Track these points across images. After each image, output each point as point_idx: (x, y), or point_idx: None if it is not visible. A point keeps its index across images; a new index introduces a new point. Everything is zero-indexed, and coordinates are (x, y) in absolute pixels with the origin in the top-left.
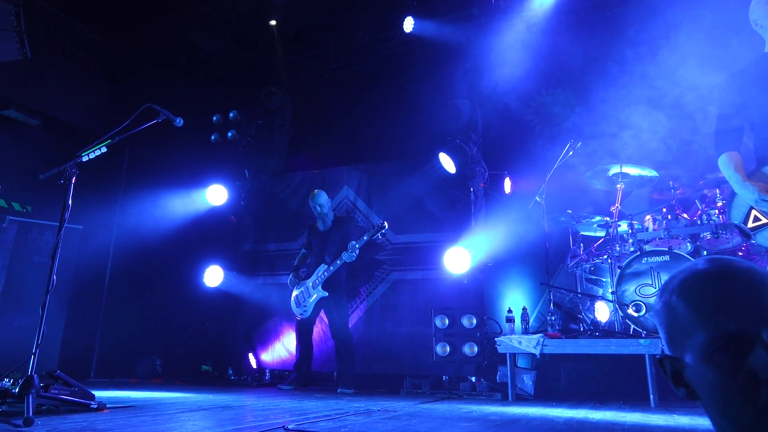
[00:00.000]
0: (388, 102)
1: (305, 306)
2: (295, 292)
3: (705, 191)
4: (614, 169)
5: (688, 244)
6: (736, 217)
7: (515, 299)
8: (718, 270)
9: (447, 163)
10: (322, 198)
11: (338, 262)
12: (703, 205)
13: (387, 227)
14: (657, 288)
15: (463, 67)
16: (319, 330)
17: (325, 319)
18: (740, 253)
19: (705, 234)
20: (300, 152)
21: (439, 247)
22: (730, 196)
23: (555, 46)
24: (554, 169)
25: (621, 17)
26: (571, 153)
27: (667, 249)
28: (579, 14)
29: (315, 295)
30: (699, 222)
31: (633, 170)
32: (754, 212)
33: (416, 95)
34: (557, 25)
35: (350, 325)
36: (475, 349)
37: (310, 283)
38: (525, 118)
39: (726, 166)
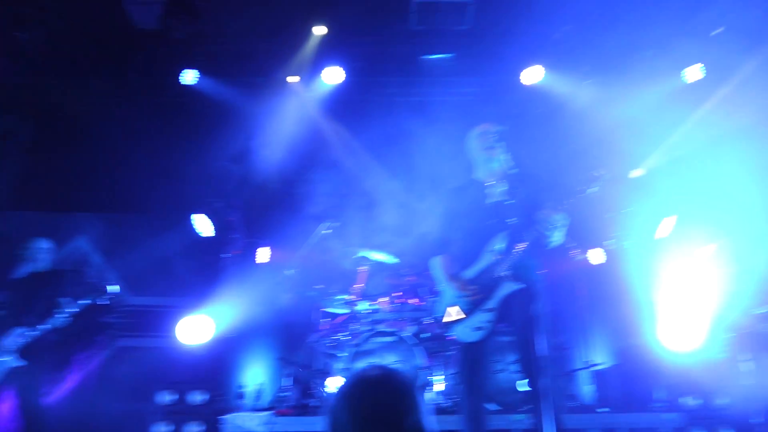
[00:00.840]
0: (151, 150)
1: None
2: None
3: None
4: (361, 252)
5: (414, 326)
6: (440, 311)
7: (256, 374)
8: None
9: (202, 225)
10: (43, 243)
11: (46, 325)
12: (429, 293)
13: (119, 290)
14: None
15: (239, 133)
16: (4, 409)
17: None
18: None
19: (426, 319)
20: (36, 187)
21: (181, 313)
22: (438, 293)
23: (323, 130)
24: (309, 246)
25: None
26: (328, 231)
27: (393, 331)
28: (349, 105)
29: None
30: (424, 307)
31: (376, 255)
32: (452, 308)
33: (184, 150)
34: (330, 110)
35: (51, 403)
36: (203, 429)
37: None
38: (291, 191)
39: (435, 267)
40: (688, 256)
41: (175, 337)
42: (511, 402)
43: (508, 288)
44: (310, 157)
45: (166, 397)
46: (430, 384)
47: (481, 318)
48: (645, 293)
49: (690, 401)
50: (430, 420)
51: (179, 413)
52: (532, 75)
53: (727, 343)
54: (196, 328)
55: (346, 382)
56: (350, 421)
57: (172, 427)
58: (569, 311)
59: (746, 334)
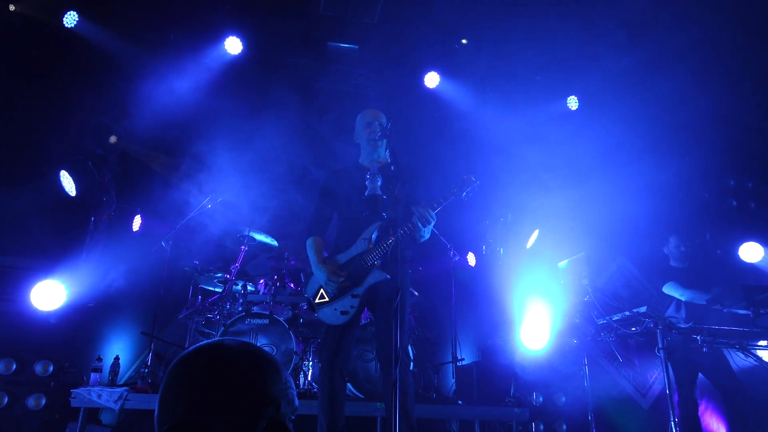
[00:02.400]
0: (21, 92)
1: None
2: None
3: None
4: (244, 231)
5: (289, 311)
6: (310, 292)
7: (116, 348)
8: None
9: (68, 183)
10: None
11: None
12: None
13: None
14: None
15: (122, 88)
16: None
17: None
18: None
19: (303, 304)
20: None
21: (33, 276)
22: (310, 273)
23: (216, 99)
24: (188, 218)
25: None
26: (209, 206)
27: (268, 313)
28: (244, 78)
29: None
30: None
31: (258, 236)
32: (321, 290)
33: (58, 98)
34: (225, 81)
35: None
36: (42, 401)
37: None
38: (170, 159)
39: (309, 247)
40: (550, 266)
41: (23, 302)
42: (378, 391)
43: (376, 277)
44: (196, 126)
45: (5, 366)
46: (302, 369)
47: (347, 303)
48: (510, 297)
49: (535, 398)
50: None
51: (18, 384)
52: (431, 79)
53: (569, 347)
54: (49, 294)
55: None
56: (182, 390)
57: (6, 399)
58: (441, 308)
59: (586, 341)
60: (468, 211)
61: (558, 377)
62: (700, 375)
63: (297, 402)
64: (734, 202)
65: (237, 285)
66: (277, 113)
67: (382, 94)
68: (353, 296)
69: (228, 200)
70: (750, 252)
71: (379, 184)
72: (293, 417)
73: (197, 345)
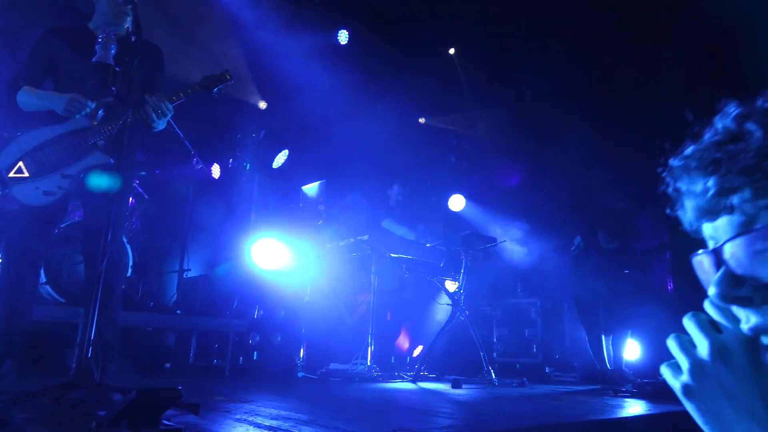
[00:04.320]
0: None
1: None
2: None
3: None
4: None
5: None
6: (3, 164)
7: None
8: None
9: None
10: None
11: None
12: None
13: None
14: None
15: None
16: None
17: None
18: None
19: None
20: None
21: None
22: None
23: None
24: None
25: None
26: None
27: None
28: None
29: None
30: None
31: None
32: (20, 163)
33: None
34: None
35: None
36: None
37: None
38: None
39: (28, 93)
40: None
41: None
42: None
43: (97, 159)
44: None
45: None
46: None
47: (54, 182)
48: (250, 214)
49: (257, 312)
50: None
51: None
52: None
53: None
54: None
55: None
56: None
57: None
58: (174, 217)
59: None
60: (221, 120)
61: (282, 294)
62: None
63: None
64: (453, 159)
65: None
66: None
67: None
68: (63, 176)
69: None
70: (456, 202)
71: (112, 53)
72: None
73: None
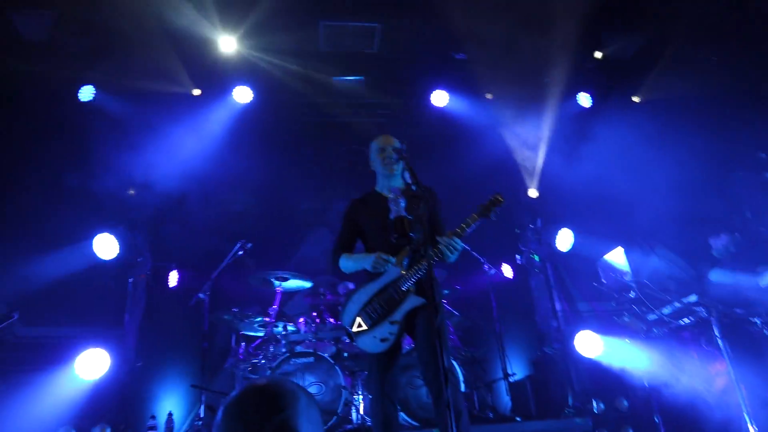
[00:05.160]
0: (44, 171)
1: None
2: None
3: None
4: (276, 273)
5: (333, 346)
6: (347, 321)
7: (168, 404)
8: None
9: (104, 247)
10: None
11: None
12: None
13: (15, 317)
14: None
15: (138, 151)
16: None
17: None
18: None
19: (345, 337)
20: None
21: (78, 344)
22: (345, 302)
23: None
24: (222, 267)
25: None
26: (240, 252)
27: (312, 351)
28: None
29: None
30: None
31: (291, 280)
32: (358, 319)
33: (80, 169)
34: (240, 129)
35: None
36: None
37: None
38: (199, 210)
39: (346, 260)
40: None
41: (75, 371)
42: (431, 418)
43: (412, 302)
44: (216, 176)
45: None
46: (352, 403)
47: (386, 330)
48: (553, 303)
49: (596, 406)
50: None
51: None
52: (439, 98)
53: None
54: (97, 360)
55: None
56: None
57: None
58: (484, 324)
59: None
60: (494, 222)
61: (616, 381)
62: None
63: None
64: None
65: (277, 327)
66: (291, 156)
67: (395, 118)
68: (391, 323)
69: (257, 244)
70: None
71: (402, 206)
72: None
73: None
